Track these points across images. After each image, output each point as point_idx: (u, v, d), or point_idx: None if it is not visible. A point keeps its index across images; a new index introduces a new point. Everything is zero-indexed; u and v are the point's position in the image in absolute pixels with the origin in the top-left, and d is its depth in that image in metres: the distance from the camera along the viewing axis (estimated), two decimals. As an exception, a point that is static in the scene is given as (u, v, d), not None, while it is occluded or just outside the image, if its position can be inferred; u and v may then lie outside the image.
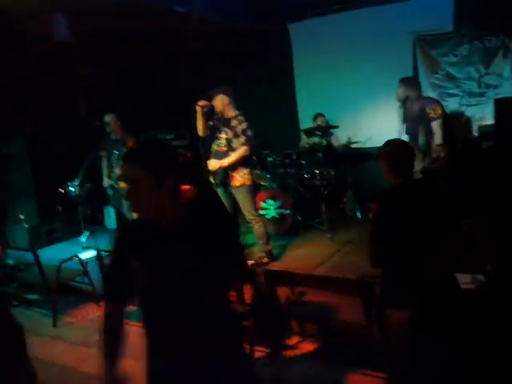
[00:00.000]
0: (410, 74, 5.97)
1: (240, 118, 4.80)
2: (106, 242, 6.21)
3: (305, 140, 6.78)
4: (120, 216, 6.82)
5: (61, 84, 6.51)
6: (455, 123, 5.79)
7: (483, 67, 5.94)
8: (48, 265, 4.60)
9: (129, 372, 2.00)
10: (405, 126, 4.97)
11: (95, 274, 4.76)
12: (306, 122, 7.09)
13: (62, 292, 4.68)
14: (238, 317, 2.05)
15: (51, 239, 6.80)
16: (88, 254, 5.73)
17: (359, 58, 6.61)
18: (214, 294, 1.82)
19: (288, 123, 7.43)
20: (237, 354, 1.89)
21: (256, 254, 5.05)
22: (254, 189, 5.13)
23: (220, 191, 4.86)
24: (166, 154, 1.75)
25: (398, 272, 2.61)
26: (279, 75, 7.44)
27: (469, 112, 6.09)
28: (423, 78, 6.13)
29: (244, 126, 4.74)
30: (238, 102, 4.95)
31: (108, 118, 6.24)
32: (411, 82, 5.08)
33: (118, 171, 6.28)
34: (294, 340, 3.81)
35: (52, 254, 5.88)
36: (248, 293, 2.74)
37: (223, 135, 4.82)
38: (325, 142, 6.26)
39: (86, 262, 4.99)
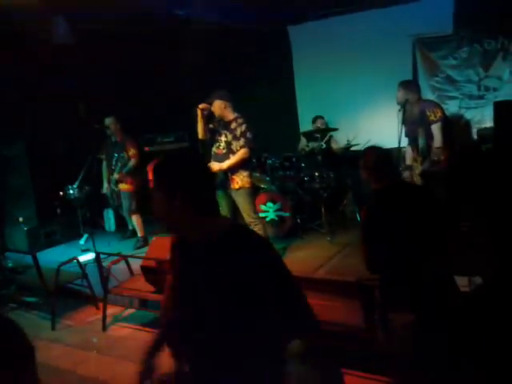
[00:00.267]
0: (409, 76, 5.98)
1: (239, 120, 4.80)
2: (104, 245, 6.21)
3: (304, 143, 6.78)
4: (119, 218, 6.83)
5: (60, 86, 6.50)
6: (455, 126, 5.79)
7: (483, 70, 5.94)
8: (47, 267, 4.59)
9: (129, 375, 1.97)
10: (404, 128, 4.97)
11: (94, 276, 4.74)
12: (305, 125, 7.10)
13: (61, 295, 4.66)
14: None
15: (50, 242, 6.79)
16: (87, 257, 5.73)
17: (359, 61, 6.62)
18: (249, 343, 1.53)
19: (288, 126, 7.43)
20: None
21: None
22: (254, 191, 5.12)
23: (219, 194, 4.85)
24: (180, 172, 1.57)
25: (395, 275, 2.60)
26: (279, 78, 7.45)
27: (468, 115, 6.09)
28: (423, 81, 6.14)
29: (243, 128, 4.75)
30: (237, 105, 4.95)
31: (108, 121, 6.25)
32: (411, 85, 5.08)
33: (116, 175, 6.29)
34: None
35: (51, 256, 5.87)
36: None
37: (223, 138, 4.83)
38: (324, 145, 6.26)
39: (85, 265, 4.98)
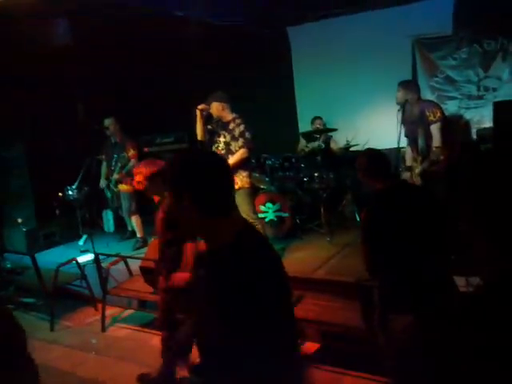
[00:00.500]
0: (409, 77, 5.98)
1: (237, 120, 4.80)
2: (103, 246, 6.20)
3: (304, 143, 6.77)
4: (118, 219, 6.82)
5: (60, 87, 6.51)
6: (454, 126, 5.80)
7: (482, 70, 5.94)
8: (45, 268, 4.58)
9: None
10: (404, 129, 4.97)
11: (93, 277, 4.74)
12: (305, 125, 7.09)
13: (60, 296, 4.66)
14: None
15: (49, 243, 6.78)
16: (86, 258, 5.72)
17: (358, 62, 6.62)
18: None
19: (287, 126, 7.43)
20: None
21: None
22: (253, 192, 5.11)
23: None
24: (186, 172, 1.49)
25: (395, 276, 2.59)
26: (278, 78, 7.45)
27: (468, 115, 6.10)
28: (422, 81, 6.14)
29: (241, 128, 4.74)
30: (237, 105, 4.95)
31: (107, 122, 6.25)
32: (410, 85, 5.07)
33: (116, 175, 6.29)
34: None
35: (50, 257, 5.86)
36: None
37: (221, 139, 4.83)
38: (324, 145, 6.25)
39: (84, 266, 4.98)
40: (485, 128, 5.64)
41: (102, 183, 6.57)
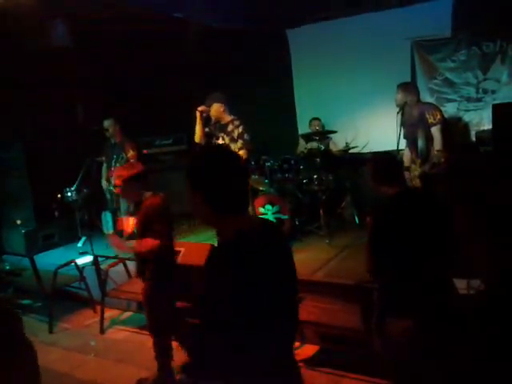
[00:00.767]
0: (408, 79, 5.98)
1: (236, 122, 4.79)
2: (102, 248, 6.18)
3: (303, 145, 6.77)
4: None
5: (59, 89, 6.50)
6: (453, 128, 5.80)
7: (481, 73, 5.95)
8: (44, 270, 4.57)
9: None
10: (403, 130, 4.97)
11: (92, 279, 4.73)
12: (304, 127, 7.10)
13: (59, 298, 4.65)
14: None
15: (48, 244, 6.76)
16: (85, 260, 5.71)
17: (357, 64, 6.62)
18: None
19: (286, 128, 7.43)
20: None
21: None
22: (252, 194, 5.12)
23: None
24: (200, 170, 1.58)
25: (399, 281, 2.58)
26: (278, 80, 7.45)
27: (467, 117, 6.10)
28: (421, 84, 6.14)
29: (240, 130, 4.74)
30: (236, 107, 4.95)
31: (107, 123, 6.24)
32: (409, 87, 5.09)
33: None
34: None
35: (48, 259, 5.84)
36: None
37: (220, 141, 4.82)
38: (323, 147, 6.26)
39: (83, 268, 4.97)
40: (484, 130, 5.65)
41: (104, 184, 6.56)
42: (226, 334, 1.46)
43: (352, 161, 6.46)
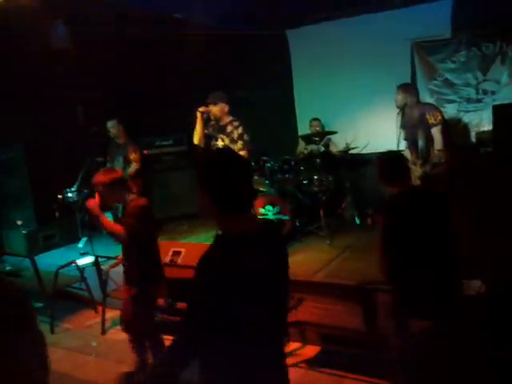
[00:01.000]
0: (407, 80, 5.98)
1: (235, 123, 4.76)
2: (103, 248, 6.19)
3: (303, 146, 6.78)
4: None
5: (59, 89, 6.51)
6: (453, 129, 5.81)
7: (481, 73, 5.96)
8: (45, 271, 4.58)
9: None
10: (403, 131, 4.98)
11: (93, 280, 4.74)
12: (304, 128, 7.10)
13: (60, 298, 4.66)
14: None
15: (49, 245, 6.76)
16: (85, 260, 5.70)
17: (357, 65, 6.63)
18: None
19: (286, 129, 7.44)
20: None
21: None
22: (253, 194, 5.12)
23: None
24: (208, 171, 1.68)
25: (414, 280, 2.59)
26: (277, 81, 7.46)
27: (466, 118, 6.11)
28: (421, 84, 6.15)
29: (240, 130, 4.71)
30: (236, 108, 4.94)
31: (110, 124, 6.24)
32: (410, 87, 5.10)
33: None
34: (293, 346, 3.80)
35: (49, 259, 5.84)
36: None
37: (219, 142, 4.78)
38: (323, 148, 6.26)
39: (84, 268, 4.97)
40: (484, 131, 5.65)
41: None
42: (213, 330, 1.55)
43: (352, 161, 6.48)
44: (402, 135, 5.00)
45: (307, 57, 7.18)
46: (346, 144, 6.38)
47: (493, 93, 5.91)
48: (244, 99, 6.65)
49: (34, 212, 6.71)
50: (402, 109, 4.92)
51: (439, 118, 4.75)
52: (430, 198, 2.88)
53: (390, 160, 2.96)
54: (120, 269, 4.74)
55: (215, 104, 4.69)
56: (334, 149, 6.66)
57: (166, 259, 4.46)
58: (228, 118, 4.79)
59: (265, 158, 6.43)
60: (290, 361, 3.59)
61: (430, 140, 4.76)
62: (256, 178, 6.11)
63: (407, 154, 5.03)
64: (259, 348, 1.63)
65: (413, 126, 4.86)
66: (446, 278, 2.60)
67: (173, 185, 7.20)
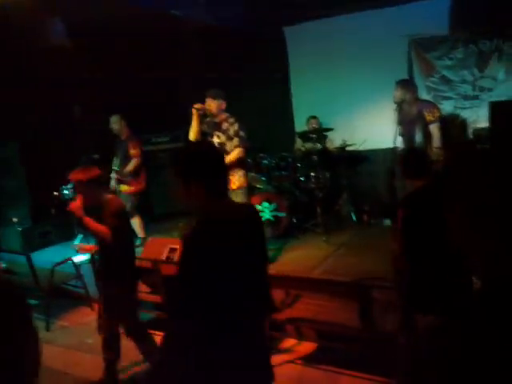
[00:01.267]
0: (405, 76, 5.98)
1: (230, 120, 4.74)
2: (99, 245, 6.17)
3: (300, 143, 6.78)
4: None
5: (55, 87, 6.47)
6: (450, 126, 5.81)
7: (478, 70, 5.96)
8: (41, 268, 4.56)
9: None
10: (400, 128, 4.98)
11: (89, 277, 4.72)
12: (301, 125, 7.10)
13: (55, 295, 4.63)
14: None
15: (44, 242, 6.74)
16: (81, 258, 5.69)
17: (355, 62, 6.62)
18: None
19: (283, 126, 7.43)
20: None
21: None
22: (249, 191, 5.11)
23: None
24: (191, 161, 1.84)
25: (429, 276, 2.60)
26: (275, 78, 7.44)
27: (463, 115, 6.11)
28: (418, 81, 6.14)
29: (236, 127, 4.69)
30: (233, 105, 4.92)
31: (113, 119, 6.20)
32: (408, 84, 5.10)
33: (113, 174, 6.25)
34: (290, 343, 3.79)
35: (45, 257, 5.82)
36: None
37: (215, 139, 4.76)
38: (320, 145, 6.26)
39: (80, 265, 4.96)
40: (481, 128, 5.66)
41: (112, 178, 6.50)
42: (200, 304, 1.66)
43: (349, 158, 6.48)
44: (399, 131, 4.99)
45: (304, 54, 7.17)
46: (343, 141, 6.38)
47: (489, 90, 5.92)
48: (241, 96, 6.62)
49: (29, 209, 6.70)
50: (400, 105, 4.92)
51: (437, 114, 4.75)
52: (440, 191, 2.93)
53: (413, 156, 3.04)
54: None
55: (214, 98, 4.68)
56: (330, 146, 6.65)
57: (163, 256, 4.45)
58: (224, 115, 4.77)
59: (262, 154, 6.43)
60: (286, 357, 3.60)
61: (427, 137, 4.75)
62: (253, 174, 6.10)
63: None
64: (237, 323, 1.73)
65: (410, 123, 4.86)
66: (455, 274, 2.62)
67: (169, 182, 7.18)
